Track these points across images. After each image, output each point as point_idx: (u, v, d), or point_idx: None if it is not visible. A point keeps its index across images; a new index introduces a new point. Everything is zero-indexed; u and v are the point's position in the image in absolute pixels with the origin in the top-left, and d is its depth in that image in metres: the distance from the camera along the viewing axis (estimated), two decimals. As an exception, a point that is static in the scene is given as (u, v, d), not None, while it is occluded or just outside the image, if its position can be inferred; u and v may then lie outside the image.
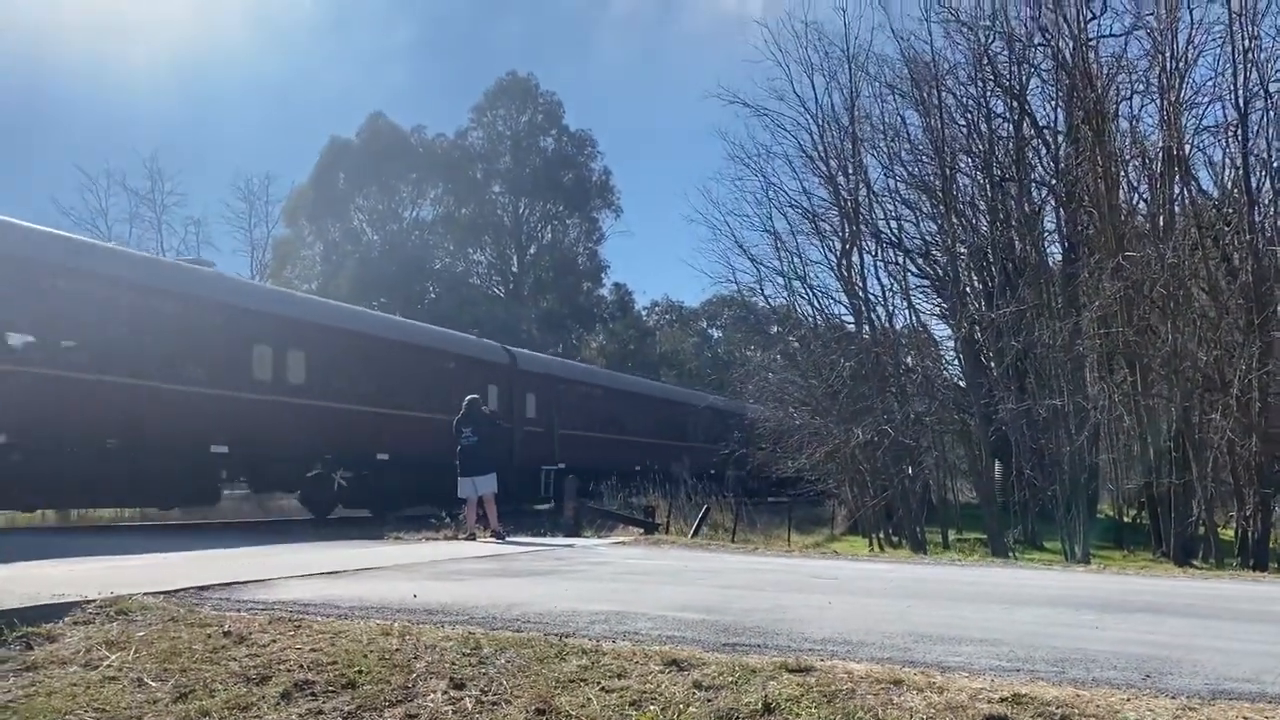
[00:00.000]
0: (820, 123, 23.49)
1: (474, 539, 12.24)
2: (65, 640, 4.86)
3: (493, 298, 52.60)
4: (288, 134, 72.31)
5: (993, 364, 23.30)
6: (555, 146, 55.39)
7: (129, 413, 14.52)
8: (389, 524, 15.12)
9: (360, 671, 4.28)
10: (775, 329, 31.72)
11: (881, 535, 23.05)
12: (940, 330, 26.96)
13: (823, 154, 23.61)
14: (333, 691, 4.10)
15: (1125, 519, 25.60)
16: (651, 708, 3.76)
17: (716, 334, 66.51)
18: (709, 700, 3.84)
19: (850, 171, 23.55)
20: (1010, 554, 19.23)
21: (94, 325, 14.30)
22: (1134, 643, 4.98)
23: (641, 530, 14.71)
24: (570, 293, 54.77)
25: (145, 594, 5.81)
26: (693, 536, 15.31)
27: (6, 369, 13.08)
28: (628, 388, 32.68)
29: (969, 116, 23.44)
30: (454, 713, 3.83)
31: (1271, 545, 16.60)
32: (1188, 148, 18.60)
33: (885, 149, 24.02)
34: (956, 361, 25.81)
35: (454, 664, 4.39)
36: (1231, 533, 19.14)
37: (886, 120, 24.02)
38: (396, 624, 5.14)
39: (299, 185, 50.33)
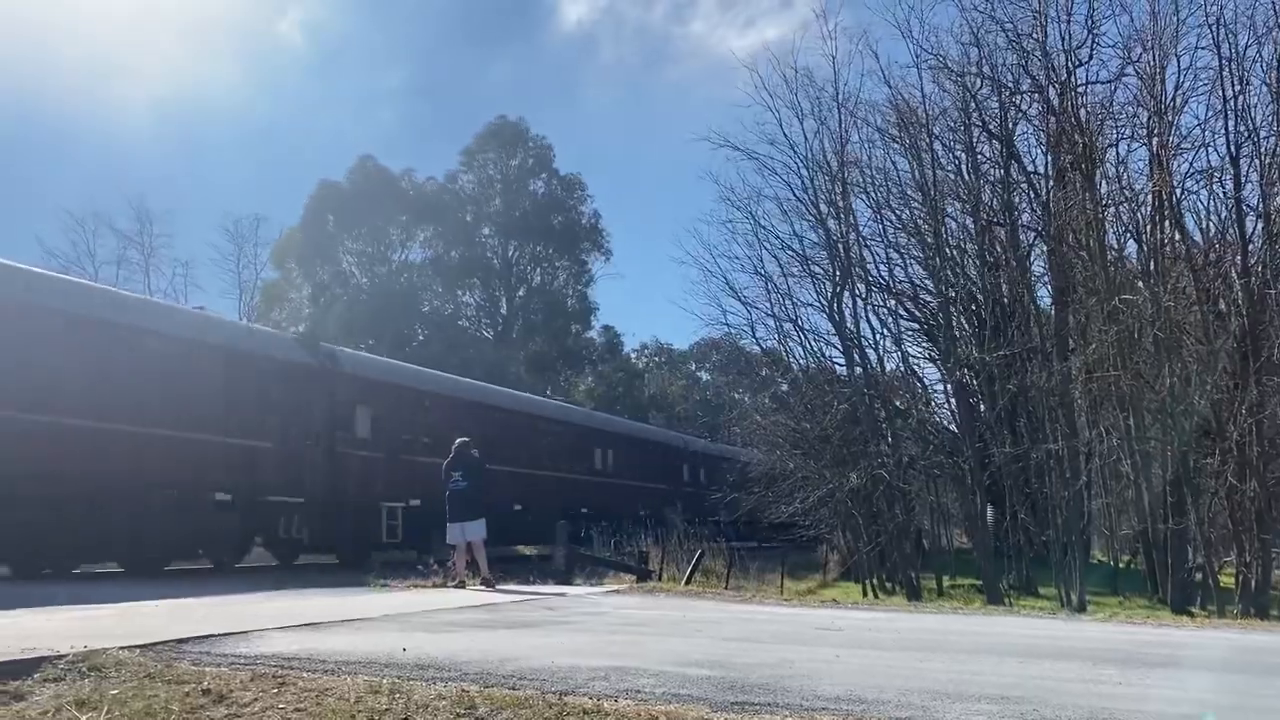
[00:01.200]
0: (810, 167, 23.50)
1: (463, 587, 11.93)
2: (34, 699, 4.58)
3: (481, 340, 52.39)
4: (277, 176, 72.55)
5: (985, 407, 23.19)
6: (545, 190, 55.52)
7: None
8: (374, 570, 14.78)
9: (348, 734, 4.01)
10: (765, 371, 31.59)
11: (875, 581, 22.73)
12: (931, 374, 26.89)
13: (813, 198, 23.59)
14: (318, 757, 3.83)
15: (1120, 564, 25.34)
16: (661, 776, 3.51)
17: (705, 376, 66.42)
18: (721, 767, 3.59)
19: (840, 215, 23.57)
20: (1006, 600, 18.96)
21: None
22: (1161, 700, 4.76)
23: (634, 577, 14.41)
24: (559, 335, 54.59)
25: (120, 648, 5.53)
26: (686, 583, 15.00)
27: None
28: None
29: (956, 161, 23.55)
30: (448, 781, 3.57)
31: (1272, 591, 16.37)
32: (1178, 192, 18.61)
33: (874, 193, 24.07)
34: (947, 405, 25.72)
35: (447, 726, 4.13)
36: (1230, 578, 18.90)
37: (875, 165, 24.09)
38: (385, 680, 4.87)
39: (288, 228, 50.29)
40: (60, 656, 5.14)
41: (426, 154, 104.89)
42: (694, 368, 66.65)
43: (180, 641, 5.97)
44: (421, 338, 49.38)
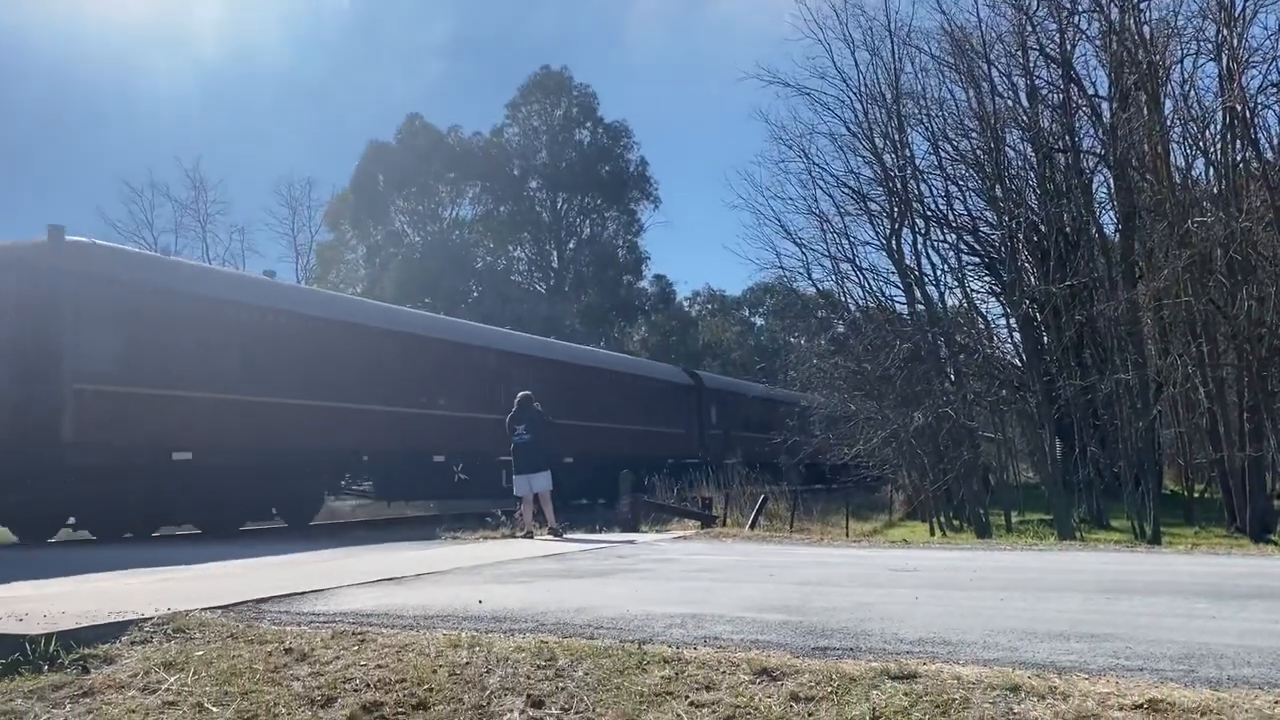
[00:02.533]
0: (863, 100, 22.99)
1: (531, 537, 12.02)
2: (123, 662, 4.66)
3: (534, 294, 52.51)
4: (326, 138, 72.88)
5: (1050, 340, 22.71)
6: (591, 139, 55.11)
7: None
8: (444, 523, 14.96)
9: (431, 690, 4.02)
10: (822, 313, 31.21)
11: (942, 519, 22.53)
12: (994, 309, 26.34)
13: (867, 132, 23.10)
14: (403, 713, 3.84)
15: (1194, 494, 24.82)
16: (748, 724, 3.45)
17: (759, 322, 65.97)
18: (809, 714, 3.53)
19: (896, 149, 23.06)
20: (1077, 534, 18.68)
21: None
22: (1260, 634, 4.59)
23: (699, 523, 14.40)
24: (611, 286, 54.46)
25: (202, 609, 5.62)
26: (751, 528, 14.97)
27: None
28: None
29: (1014, 87, 22.83)
30: (534, 734, 3.56)
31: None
32: (1250, 107, 17.85)
33: (931, 125, 23.48)
34: (1010, 340, 25.24)
35: (529, 678, 4.12)
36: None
37: (930, 95, 23.47)
38: (464, 634, 4.88)
39: (340, 189, 50.66)
40: (146, 619, 5.23)
41: (472, 109, 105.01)
42: (748, 313, 66.19)
43: (260, 601, 6.06)
44: (476, 294, 49.61)
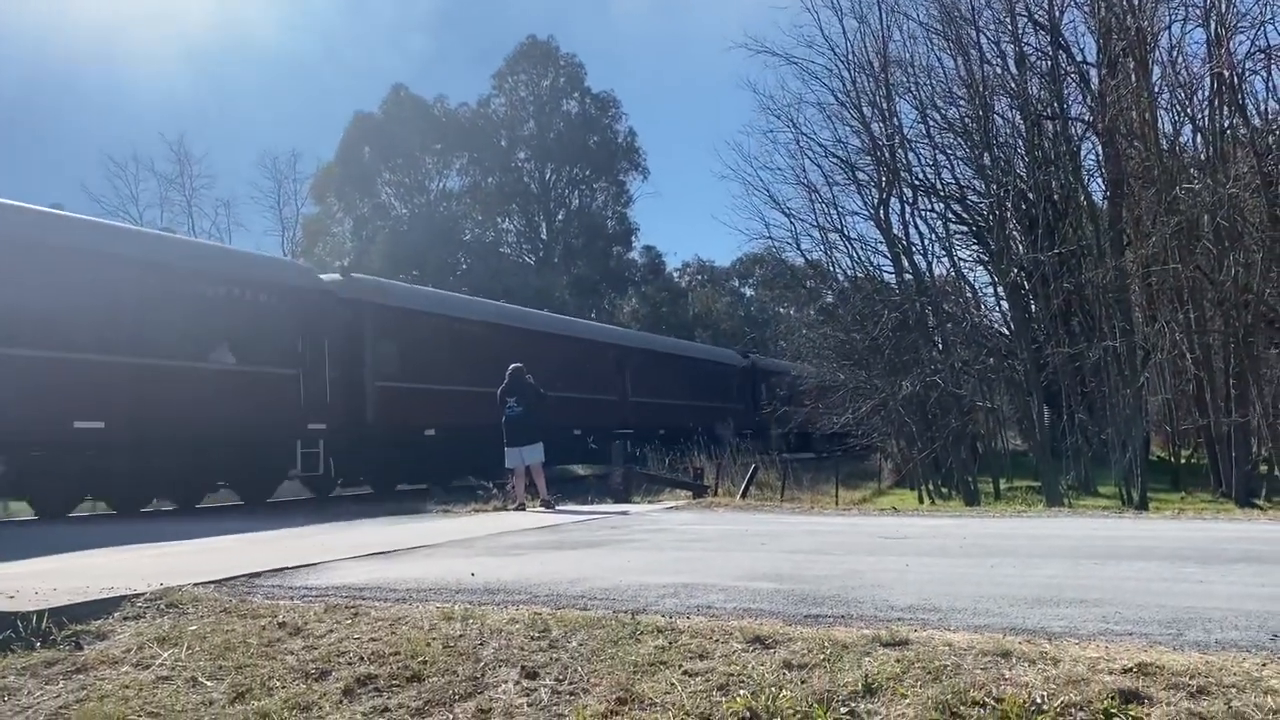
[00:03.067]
0: (851, 68, 22.92)
1: (523, 509, 12.04)
2: (116, 638, 4.66)
3: (524, 266, 52.36)
4: (312, 110, 72.29)
5: (1038, 308, 22.75)
6: (579, 110, 54.80)
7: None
8: (435, 497, 14.97)
9: (425, 662, 4.03)
10: (811, 283, 31.23)
11: (930, 487, 22.68)
12: (982, 277, 26.40)
13: (855, 100, 23.02)
14: (397, 685, 3.85)
15: (1180, 460, 25.02)
16: (741, 693, 3.47)
17: (749, 292, 65.97)
18: (802, 682, 3.54)
19: (884, 118, 22.98)
20: (1065, 501, 18.82)
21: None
22: (1247, 598, 4.64)
23: (690, 493, 14.46)
24: (601, 257, 54.35)
25: (195, 584, 5.62)
26: (742, 497, 15.05)
27: None
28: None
29: (1003, 54, 22.74)
30: (529, 705, 3.57)
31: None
32: (1237, 73, 17.83)
33: (919, 93, 23.39)
34: (998, 308, 25.32)
35: (523, 649, 4.13)
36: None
37: (919, 63, 23.36)
38: (458, 607, 4.89)
39: (325, 162, 50.28)
40: (138, 595, 5.23)
41: (458, 80, 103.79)
42: (737, 284, 66.17)
43: (253, 576, 6.06)
44: (465, 266, 49.47)
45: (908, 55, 23.34)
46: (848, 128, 23.59)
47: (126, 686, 3.99)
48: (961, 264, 25.42)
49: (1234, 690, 3.17)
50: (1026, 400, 21.52)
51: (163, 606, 5.13)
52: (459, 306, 22.80)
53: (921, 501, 21.52)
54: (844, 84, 23.04)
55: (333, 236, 51.03)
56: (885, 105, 22.84)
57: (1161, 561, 5.94)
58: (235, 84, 66.94)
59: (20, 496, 14.34)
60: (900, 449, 23.81)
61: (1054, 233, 20.75)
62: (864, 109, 22.95)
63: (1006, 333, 24.12)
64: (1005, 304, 23.74)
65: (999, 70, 22.71)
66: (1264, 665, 3.44)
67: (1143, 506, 17.18)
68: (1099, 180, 23.40)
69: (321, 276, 18.26)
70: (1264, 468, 18.87)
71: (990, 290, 25.85)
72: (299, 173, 50.26)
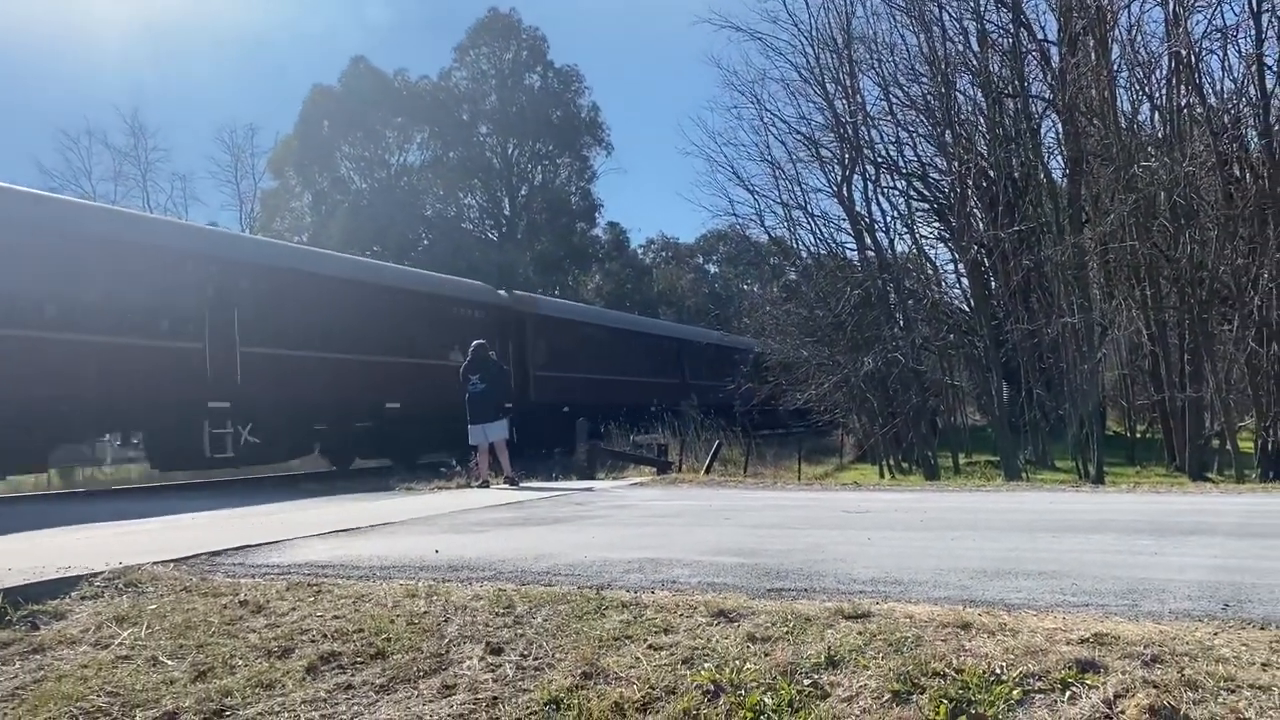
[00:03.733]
0: (815, 44, 22.87)
1: (487, 486, 12.02)
2: (74, 617, 4.60)
3: (487, 242, 52.01)
4: (269, 82, 71.09)
5: (998, 285, 22.97)
6: (541, 83, 54.35)
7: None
8: (399, 474, 14.90)
9: (389, 639, 4.02)
10: (775, 260, 31.31)
11: (891, 462, 22.91)
12: (944, 255, 26.61)
13: (819, 77, 23.00)
14: (361, 663, 3.83)
15: (1135, 435, 25.46)
16: (706, 666, 3.50)
17: (713, 269, 66.06)
18: (766, 654, 3.57)
19: (848, 95, 23.00)
20: (1023, 475, 19.09)
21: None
22: (1200, 569, 4.73)
23: (655, 469, 14.49)
24: (564, 234, 54.11)
25: (155, 563, 5.56)
26: (706, 473, 15.10)
27: None
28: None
29: (965, 32, 22.82)
30: (494, 680, 3.57)
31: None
32: (1195, 52, 18.02)
33: (881, 70, 23.43)
34: (959, 285, 25.54)
35: (488, 626, 4.13)
36: (1247, 443, 18.96)
37: (882, 40, 23.39)
38: (422, 584, 4.89)
39: (284, 135, 49.54)
40: (97, 574, 5.16)
41: (419, 53, 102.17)
42: (701, 261, 66.21)
43: (214, 554, 6.00)
44: (426, 242, 49.06)
45: (871, 32, 23.37)
46: (811, 104, 23.62)
47: (85, 666, 3.94)
48: (923, 241, 25.61)
49: (1186, 659, 3.23)
50: (986, 376, 21.76)
51: (121, 585, 5.07)
52: (586, 314, 30.84)
53: (883, 476, 21.73)
54: (807, 60, 23.02)
55: (291, 211, 50.40)
56: (849, 82, 22.86)
57: (1117, 534, 6.04)
58: (191, 55, 65.76)
59: (328, 454, 19.00)
60: (862, 425, 24.01)
61: (1014, 210, 20.93)
62: (827, 85, 22.95)
63: (967, 309, 24.34)
64: (965, 281, 23.95)
65: (961, 48, 22.82)
66: (1215, 634, 3.52)
67: (1099, 480, 17.46)
68: (1059, 158, 23.63)
69: (500, 293, 24.66)
70: (1216, 442, 19.23)
71: (951, 267, 26.10)
72: (257, 146, 49.69)
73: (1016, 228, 20.28)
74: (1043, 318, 20.27)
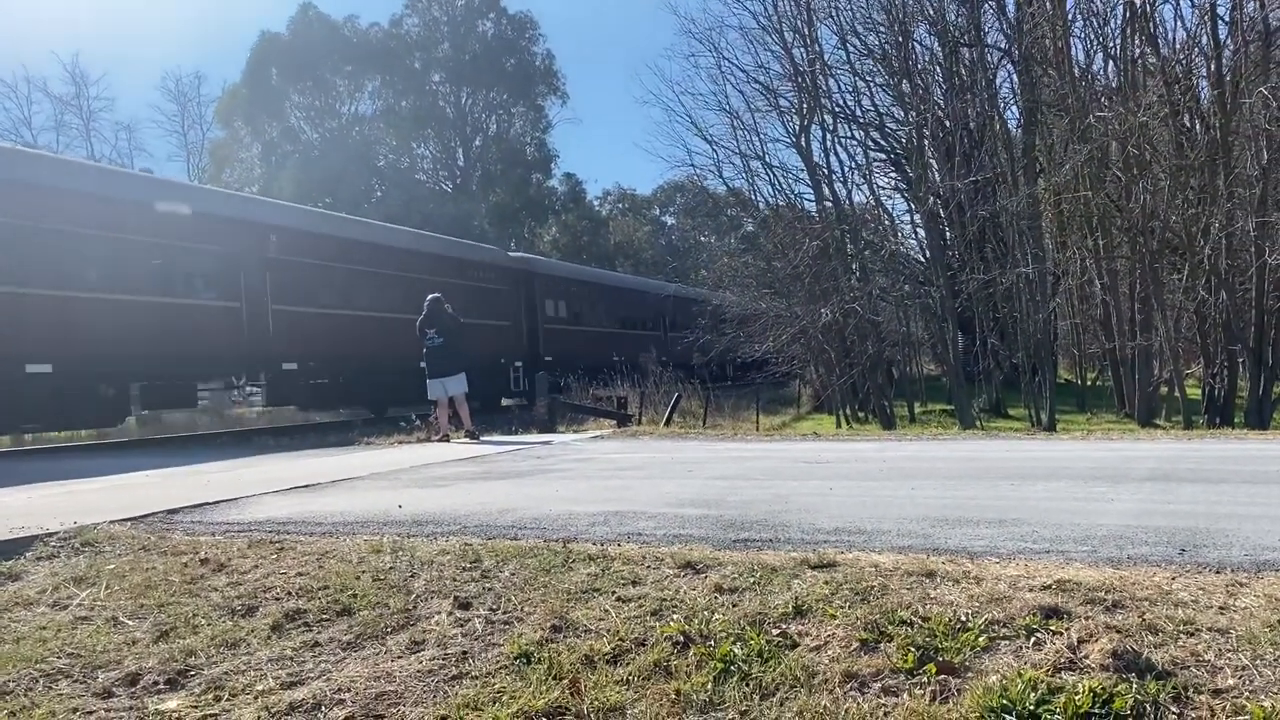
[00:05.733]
0: (773, -10, 22.68)
1: (448, 440, 11.96)
2: (29, 578, 4.51)
3: (441, 193, 51.31)
4: (215, 29, 69.12)
5: (954, 235, 23.15)
6: (495, 30, 53.41)
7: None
8: (356, 429, 14.78)
9: (355, 595, 3.98)
10: (732, 212, 31.27)
11: (848, 412, 23.15)
12: (900, 205, 26.71)
13: (777, 25, 22.86)
14: (327, 620, 3.80)
15: (1085, 383, 25.94)
16: (675, 617, 3.51)
17: (670, 221, 65.84)
18: (734, 605, 3.59)
19: (806, 43, 22.88)
20: (977, 423, 19.40)
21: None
22: (1156, 514, 4.82)
23: (615, 422, 14.51)
24: (520, 185, 53.52)
25: (111, 522, 5.47)
26: (665, 425, 15.15)
27: None
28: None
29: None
30: (463, 635, 3.55)
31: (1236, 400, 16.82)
32: (1149, 2, 18.10)
33: (839, 18, 23.32)
34: (915, 236, 25.71)
35: (455, 580, 4.11)
36: (1194, 390, 19.39)
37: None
38: (386, 539, 4.85)
39: (231, 84, 48.34)
40: (51, 534, 5.07)
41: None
42: (658, 213, 65.92)
43: (171, 512, 5.92)
44: (379, 194, 48.30)
45: (829, -22, 23.19)
46: (769, 53, 23.51)
47: (43, 628, 3.87)
48: (880, 192, 25.69)
49: (1146, 604, 3.29)
50: (941, 326, 22.00)
51: (77, 545, 4.98)
52: (589, 275, 33.43)
53: (839, 426, 21.96)
54: (765, 7, 22.85)
55: (241, 162, 49.36)
56: (806, 30, 22.76)
57: (1074, 481, 6.14)
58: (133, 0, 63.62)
59: (369, 405, 20.34)
60: (819, 375, 24.20)
61: (970, 160, 21.04)
62: (785, 34, 22.84)
63: (923, 260, 24.53)
64: (922, 231, 24.12)
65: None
66: (1173, 579, 3.59)
67: (1051, 428, 17.80)
68: (1014, 109, 23.76)
69: (510, 255, 27.84)
70: (1164, 389, 19.64)
71: (907, 218, 26.23)
72: (204, 95, 48.56)
73: (972, 178, 20.40)
74: (997, 267, 20.50)
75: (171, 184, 18.80)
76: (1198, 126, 17.34)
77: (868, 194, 25.32)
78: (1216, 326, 16.08)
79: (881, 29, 22.74)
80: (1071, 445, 8.86)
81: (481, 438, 12.14)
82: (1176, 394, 18.03)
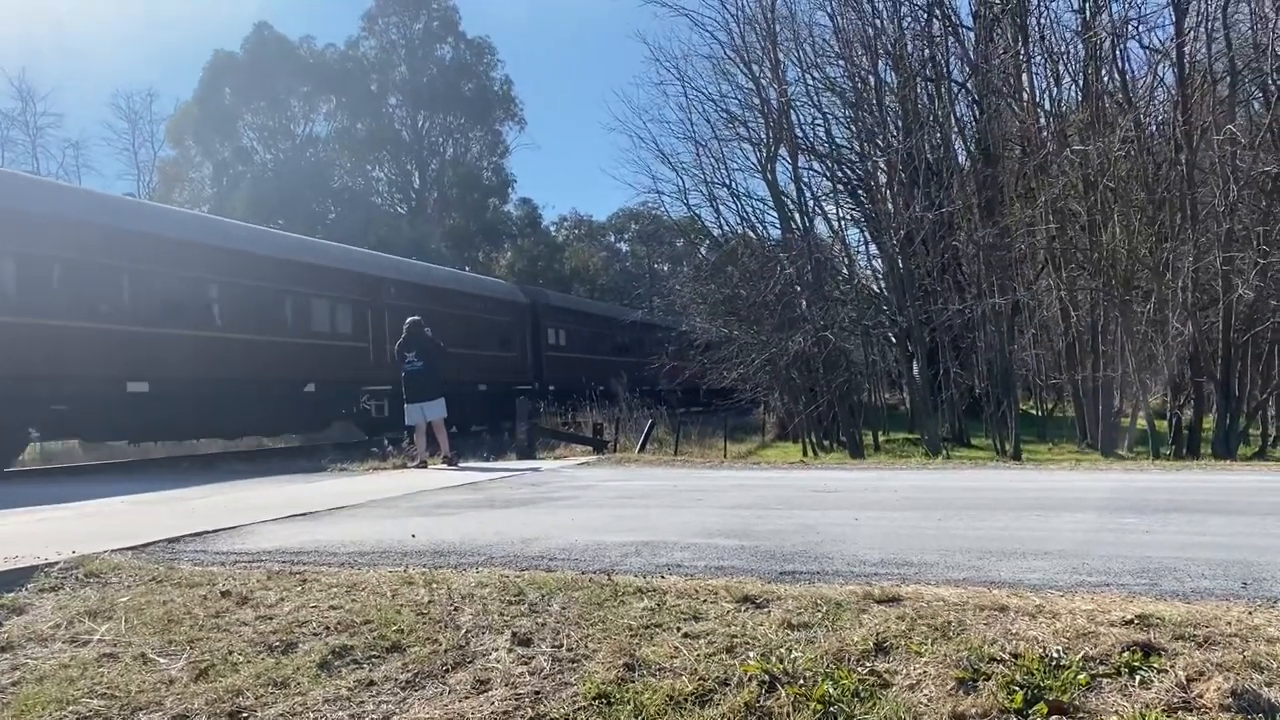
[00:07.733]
0: (740, 22, 22.88)
1: (425, 467, 11.69)
2: (36, 611, 4.24)
3: (397, 216, 50.81)
4: (167, 46, 68.07)
5: (916, 267, 23.36)
6: (453, 55, 53.26)
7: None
8: (325, 455, 14.42)
9: (400, 631, 3.78)
10: (694, 238, 31.35)
11: (813, 440, 23.15)
12: (859, 236, 26.96)
13: (744, 56, 23.02)
14: (377, 657, 3.60)
15: (1045, 412, 26.27)
16: (751, 655, 3.36)
17: (625, 247, 65.89)
18: (810, 642, 3.46)
19: (772, 74, 23.04)
20: (942, 452, 19.49)
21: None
22: (1196, 546, 4.80)
23: (591, 449, 14.34)
24: (476, 209, 53.24)
25: (110, 551, 5.19)
26: (640, 451, 15.03)
27: None
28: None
29: (880, 14, 23.07)
30: (530, 674, 3.37)
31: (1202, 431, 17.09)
32: (1112, 40, 18.51)
33: (800, 51, 23.54)
34: (871, 268, 25.96)
35: (503, 615, 3.93)
36: (1158, 421, 19.68)
37: (800, 19, 23.53)
38: (415, 571, 4.64)
39: (183, 102, 47.50)
40: (52, 564, 4.80)
41: (326, 20, 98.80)
42: (614, 239, 65.97)
43: (171, 541, 5.65)
44: (334, 215, 47.68)
45: (790, 11, 23.47)
46: (735, 84, 23.65)
47: (66, 666, 3.61)
48: (843, 222, 25.91)
49: (1238, 639, 3.23)
50: (906, 356, 22.14)
51: (81, 576, 4.71)
52: (589, 306, 37.01)
53: (805, 454, 21.93)
54: (733, 38, 23.02)
55: (191, 182, 48.44)
56: (772, 62, 22.92)
57: (1099, 512, 6.12)
58: (84, 14, 62.45)
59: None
60: (785, 404, 24.20)
61: (931, 193, 21.28)
62: (752, 66, 23.00)
63: (886, 291, 24.71)
64: (883, 263, 24.31)
65: (878, 27, 23.06)
66: (1250, 614, 3.53)
67: (1017, 457, 17.94)
68: (973, 143, 24.09)
69: (518, 289, 30.16)
70: (1125, 420, 19.92)
71: (870, 249, 26.46)
72: (155, 113, 47.55)
73: (933, 211, 20.62)
74: (960, 299, 20.69)
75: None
76: (1168, 158, 17.71)
77: (833, 223, 25.52)
78: (1183, 360, 16.36)
79: (841, 62, 23.02)
80: (1067, 475, 8.89)
81: (459, 464, 11.90)
82: (1140, 424, 18.29)
